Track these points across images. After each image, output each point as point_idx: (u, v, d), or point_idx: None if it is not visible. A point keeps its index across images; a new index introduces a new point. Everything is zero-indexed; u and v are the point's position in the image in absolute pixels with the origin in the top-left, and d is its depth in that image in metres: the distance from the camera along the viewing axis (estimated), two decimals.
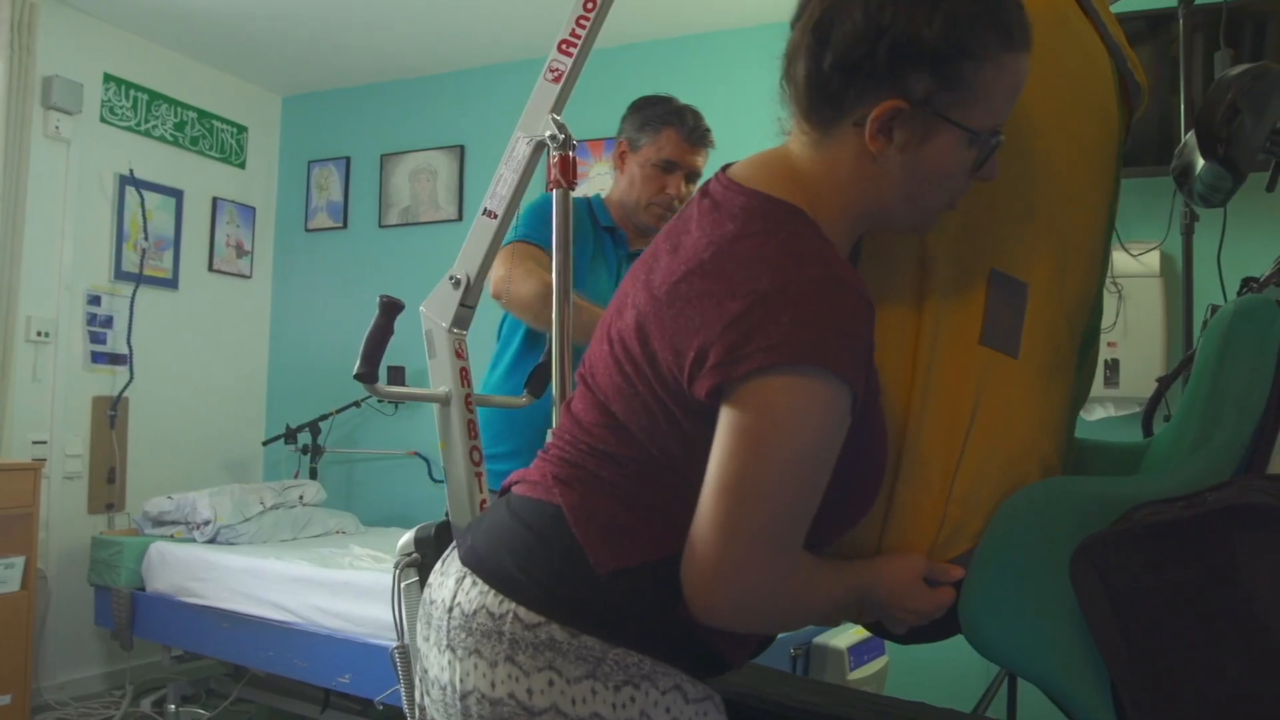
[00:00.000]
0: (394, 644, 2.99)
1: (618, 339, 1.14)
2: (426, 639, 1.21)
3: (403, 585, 1.96)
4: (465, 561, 1.18)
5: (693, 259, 1.08)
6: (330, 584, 3.37)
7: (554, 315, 1.87)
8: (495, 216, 1.94)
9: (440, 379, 2.03)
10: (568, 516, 1.10)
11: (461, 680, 1.10)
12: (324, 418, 4.90)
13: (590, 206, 2.60)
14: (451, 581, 1.17)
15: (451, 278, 2.03)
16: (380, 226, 5.21)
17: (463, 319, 2.05)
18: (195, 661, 4.12)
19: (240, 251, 5.31)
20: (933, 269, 1.23)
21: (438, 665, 1.15)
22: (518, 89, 4.82)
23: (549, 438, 1.29)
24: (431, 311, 2.05)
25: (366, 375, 1.87)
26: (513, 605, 1.09)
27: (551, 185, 1.79)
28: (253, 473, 5.33)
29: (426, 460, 4.87)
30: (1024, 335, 1.27)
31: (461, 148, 5.02)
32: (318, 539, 4.32)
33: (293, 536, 4.29)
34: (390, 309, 1.91)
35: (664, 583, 1.07)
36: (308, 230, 5.44)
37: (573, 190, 1.83)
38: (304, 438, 4.93)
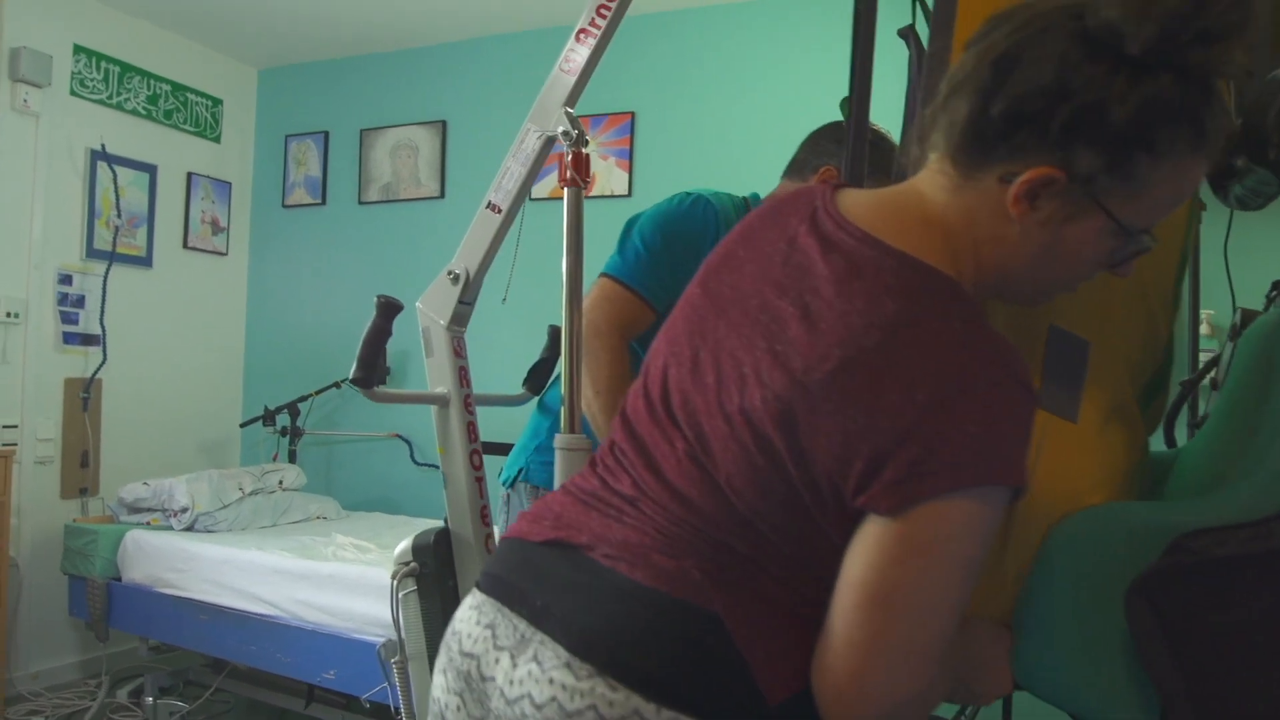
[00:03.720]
0: (380, 640, 2.95)
1: (743, 421, 0.99)
2: None
3: (400, 595, 1.88)
4: (580, 653, 0.99)
5: (849, 342, 0.93)
6: (313, 577, 3.30)
7: (564, 316, 1.75)
8: (499, 211, 1.85)
9: (438, 379, 1.95)
10: (732, 632, 0.97)
11: None
12: (303, 399, 4.80)
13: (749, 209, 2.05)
14: (563, 674, 0.99)
15: (450, 273, 1.95)
16: (360, 203, 5.09)
17: (461, 316, 1.97)
18: (174, 651, 4.04)
19: (216, 228, 5.17)
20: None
21: None
22: (502, 63, 4.77)
23: (599, 465, 1.13)
24: (429, 308, 1.96)
25: (364, 380, 1.79)
26: (674, 714, 0.94)
27: (563, 184, 1.69)
28: (230, 455, 5.23)
29: (408, 442, 4.79)
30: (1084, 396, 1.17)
31: (444, 123, 4.89)
32: (298, 525, 4.25)
33: (272, 523, 4.21)
34: (388, 310, 1.83)
35: None
36: (285, 206, 5.32)
37: (584, 190, 1.73)
38: (283, 419, 4.83)
